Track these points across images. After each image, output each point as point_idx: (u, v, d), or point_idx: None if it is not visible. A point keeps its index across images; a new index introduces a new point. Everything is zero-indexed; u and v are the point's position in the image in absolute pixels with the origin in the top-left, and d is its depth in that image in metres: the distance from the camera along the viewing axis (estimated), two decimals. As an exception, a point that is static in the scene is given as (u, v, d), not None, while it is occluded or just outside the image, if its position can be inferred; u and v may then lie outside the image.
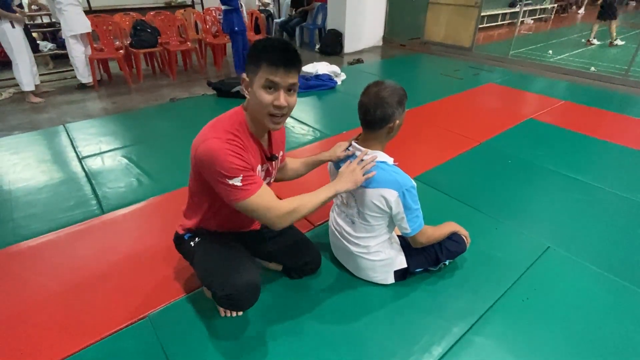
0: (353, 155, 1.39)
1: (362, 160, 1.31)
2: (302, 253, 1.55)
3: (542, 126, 3.21)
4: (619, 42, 6.80)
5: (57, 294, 1.54)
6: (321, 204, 1.22)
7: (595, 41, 6.93)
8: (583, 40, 7.25)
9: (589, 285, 1.61)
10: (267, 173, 1.34)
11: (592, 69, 5.11)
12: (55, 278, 1.62)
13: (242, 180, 1.09)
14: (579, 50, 6.59)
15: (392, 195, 1.31)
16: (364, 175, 1.27)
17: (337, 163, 1.47)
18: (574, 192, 2.27)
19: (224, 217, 1.36)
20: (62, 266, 1.69)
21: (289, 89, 1.11)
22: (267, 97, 1.08)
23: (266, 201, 1.14)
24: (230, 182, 1.09)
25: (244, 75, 1.13)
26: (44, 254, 1.77)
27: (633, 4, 13.78)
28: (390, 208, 1.33)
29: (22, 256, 1.76)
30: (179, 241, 1.44)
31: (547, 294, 1.55)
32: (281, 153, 1.45)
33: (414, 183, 1.34)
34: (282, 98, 1.09)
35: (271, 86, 1.08)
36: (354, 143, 1.41)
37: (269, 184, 1.38)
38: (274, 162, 1.35)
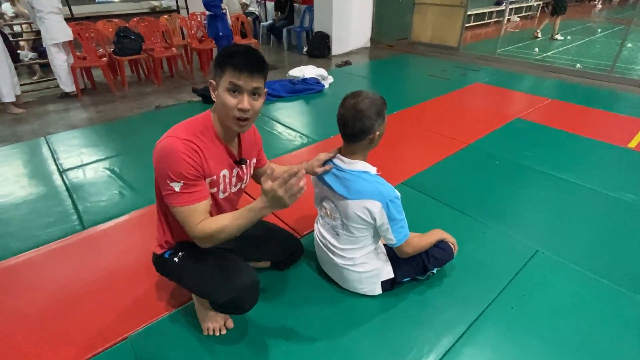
0: (339, 169, 1.35)
1: (286, 179, 0.96)
2: (287, 245, 1.62)
3: (530, 125, 3.21)
4: (559, 36, 7.21)
5: (33, 317, 1.48)
6: (243, 227, 1.08)
7: (558, 36, 7.22)
8: (569, 37, 7.34)
9: (578, 289, 1.59)
10: (238, 178, 1.32)
11: (578, 65, 5.15)
12: (31, 300, 1.56)
13: (181, 187, 1.09)
14: (566, 47, 6.65)
15: (375, 206, 1.28)
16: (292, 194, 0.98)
17: (321, 175, 1.43)
18: (562, 192, 2.27)
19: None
20: (38, 287, 1.63)
21: (253, 93, 1.12)
22: (231, 100, 1.10)
23: (194, 219, 1.11)
24: (171, 184, 1.09)
25: (212, 80, 1.14)
26: (20, 275, 1.71)
27: (616, 0, 13.99)
28: (375, 219, 1.30)
29: (-2, 278, 1.70)
30: (160, 261, 1.36)
31: (536, 300, 1.54)
32: (254, 160, 1.43)
33: (398, 193, 1.31)
34: (246, 101, 1.10)
35: (235, 89, 1.09)
36: (338, 156, 1.37)
37: (240, 188, 1.37)
38: (244, 166, 1.33)
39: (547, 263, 1.73)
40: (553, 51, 6.31)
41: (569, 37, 7.26)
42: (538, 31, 7.36)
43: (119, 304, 1.53)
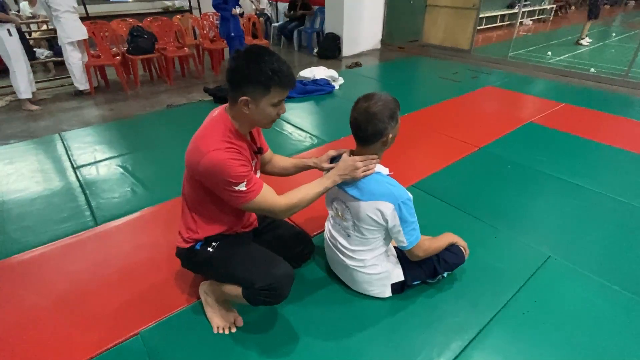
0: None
1: (367, 157, 1.31)
2: (297, 240, 1.63)
3: (542, 130, 3.18)
4: (584, 41, 6.92)
5: (47, 311, 1.51)
6: (320, 195, 1.31)
7: (584, 41, 6.97)
8: (582, 41, 7.23)
9: (590, 297, 1.57)
10: (256, 166, 1.40)
11: (592, 70, 5.08)
12: (45, 294, 1.59)
13: (246, 185, 1.18)
14: (579, 51, 6.56)
15: (387, 208, 1.28)
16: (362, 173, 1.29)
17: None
18: (575, 198, 2.24)
19: (233, 218, 1.39)
20: (52, 281, 1.66)
21: None
22: (273, 111, 1.20)
23: (270, 199, 1.24)
24: (237, 188, 1.17)
25: (244, 97, 1.15)
26: (34, 269, 1.74)
27: (632, 4, 13.77)
28: (386, 221, 1.30)
29: (12, 271, 1.73)
30: (189, 254, 1.39)
31: (547, 307, 1.52)
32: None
33: (410, 195, 1.31)
34: (284, 107, 1.24)
35: (279, 103, 1.20)
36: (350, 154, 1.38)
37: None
38: (259, 156, 1.41)
39: (559, 269, 1.71)
40: (566, 55, 6.23)
41: (589, 40, 7.06)
42: (582, 39, 6.97)
43: (131, 300, 1.55)
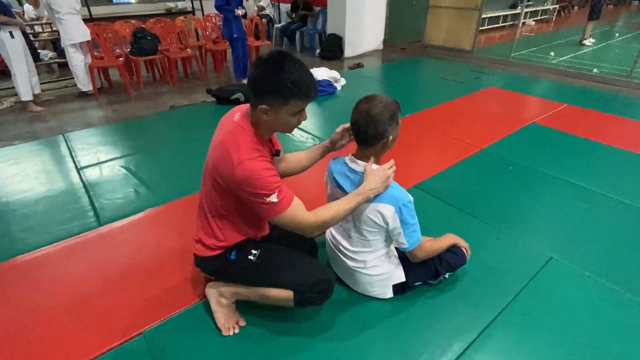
0: (352, 171, 1.36)
1: (393, 164, 1.31)
2: (303, 243, 1.58)
3: (545, 131, 3.17)
4: (587, 42, 6.93)
5: (50, 311, 1.53)
6: (351, 212, 1.27)
7: (587, 42, 6.96)
8: (585, 41, 7.21)
9: (593, 298, 1.57)
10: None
11: (595, 70, 5.07)
12: (49, 294, 1.61)
13: (277, 196, 1.15)
14: (582, 52, 6.54)
15: (388, 210, 1.28)
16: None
17: (332, 175, 1.44)
18: (578, 199, 2.23)
19: (257, 226, 1.40)
20: (56, 282, 1.68)
21: None
22: (294, 120, 1.19)
23: (299, 214, 1.20)
24: (268, 199, 1.14)
25: (264, 105, 1.13)
26: (39, 269, 1.75)
27: (636, 3, 13.71)
28: (387, 223, 1.30)
29: (17, 271, 1.75)
30: (224, 263, 1.37)
31: (549, 308, 1.52)
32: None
33: (411, 197, 1.32)
34: (305, 115, 1.22)
35: (299, 112, 1.18)
36: (351, 158, 1.38)
37: None
38: (274, 158, 1.39)
39: (561, 270, 1.71)
40: (569, 55, 6.22)
41: (592, 41, 7.04)
42: (585, 39, 6.98)
43: (134, 300, 1.56)
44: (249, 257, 1.35)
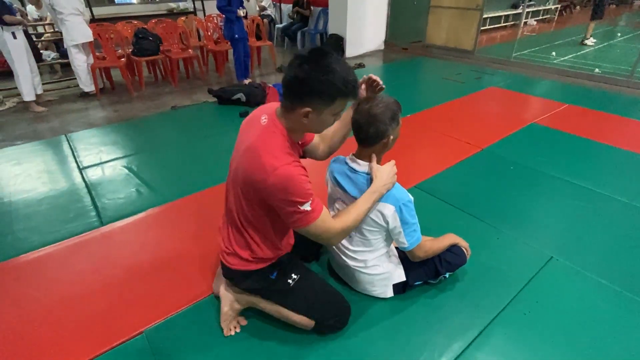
0: (352, 170, 1.36)
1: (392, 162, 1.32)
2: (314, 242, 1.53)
3: (545, 131, 3.17)
4: (589, 42, 6.90)
5: (52, 310, 1.54)
6: (370, 211, 1.28)
7: (588, 42, 6.94)
8: (587, 41, 7.19)
9: (593, 298, 1.57)
10: None
11: (597, 70, 5.06)
12: (51, 293, 1.62)
13: (311, 204, 1.11)
14: (584, 52, 6.53)
15: (388, 209, 1.29)
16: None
17: (333, 174, 1.44)
18: (578, 199, 2.23)
19: (287, 235, 1.37)
20: (58, 281, 1.69)
21: None
22: (333, 119, 1.15)
23: (328, 222, 1.17)
24: (302, 207, 1.10)
25: (306, 108, 1.07)
26: (41, 268, 1.77)
27: (638, 3, 13.67)
28: (387, 222, 1.31)
29: (19, 270, 1.76)
30: (266, 281, 1.34)
31: (549, 307, 1.52)
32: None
33: (411, 197, 1.32)
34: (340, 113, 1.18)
35: (341, 111, 1.15)
36: (352, 157, 1.39)
37: None
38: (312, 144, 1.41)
39: (561, 270, 1.71)
40: (571, 55, 6.20)
41: (594, 41, 7.04)
42: (586, 39, 6.96)
43: (135, 299, 1.57)
44: (289, 280, 1.34)
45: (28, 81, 3.92)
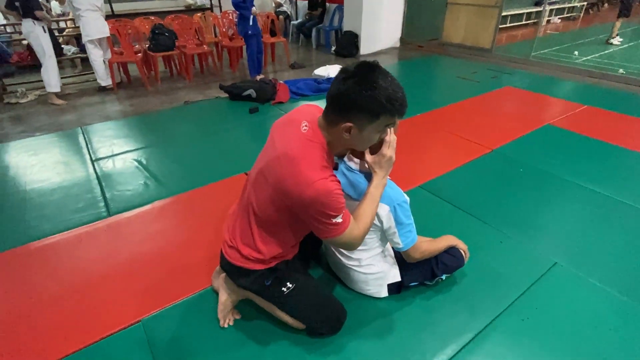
0: (348, 169, 1.36)
1: (387, 140, 1.20)
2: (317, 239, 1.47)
3: (560, 133, 3.07)
4: (615, 40, 6.65)
5: (56, 296, 1.60)
6: (378, 203, 1.25)
7: (614, 40, 6.68)
8: (612, 40, 6.91)
9: (596, 306, 1.52)
10: None
11: (621, 71, 4.86)
12: (56, 280, 1.68)
13: (342, 216, 1.12)
14: (608, 51, 6.28)
15: (383, 209, 1.28)
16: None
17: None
18: (590, 204, 2.16)
19: (294, 245, 1.36)
20: (64, 268, 1.75)
21: None
22: (377, 136, 1.12)
23: (354, 230, 1.17)
24: (334, 220, 1.10)
25: (348, 123, 1.05)
26: (49, 256, 1.83)
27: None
28: (382, 222, 1.30)
29: (29, 257, 1.83)
30: (259, 285, 1.33)
31: (548, 314, 1.48)
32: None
33: (407, 197, 1.31)
34: (387, 131, 1.15)
35: (385, 129, 1.12)
36: (349, 155, 1.38)
37: None
38: None
39: (565, 276, 1.66)
40: (594, 55, 5.98)
41: (620, 40, 6.77)
42: (614, 36, 6.74)
43: (136, 288, 1.62)
44: (283, 288, 1.32)
45: (56, 73, 4.09)
